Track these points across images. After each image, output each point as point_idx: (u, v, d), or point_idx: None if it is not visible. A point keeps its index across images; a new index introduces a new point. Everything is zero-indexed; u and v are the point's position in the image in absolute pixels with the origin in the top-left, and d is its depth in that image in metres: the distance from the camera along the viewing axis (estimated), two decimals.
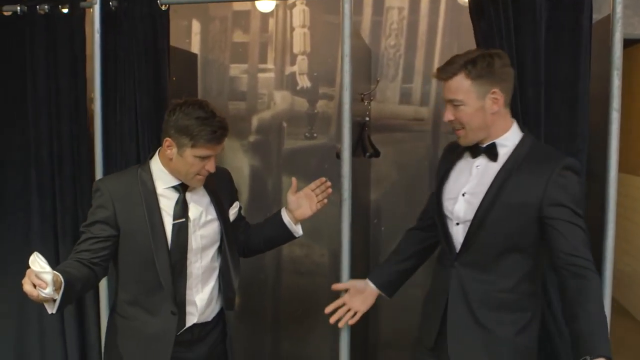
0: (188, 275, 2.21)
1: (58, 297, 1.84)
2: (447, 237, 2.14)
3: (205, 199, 2.27)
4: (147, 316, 2.18)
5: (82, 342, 2.88)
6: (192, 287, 2.22)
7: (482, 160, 2.12)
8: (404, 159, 3.65)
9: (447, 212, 2.14)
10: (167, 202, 2.19)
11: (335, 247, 2.47)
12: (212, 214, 2.27)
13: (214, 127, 2.09)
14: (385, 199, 3.70)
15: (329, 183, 2.44)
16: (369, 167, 3.57)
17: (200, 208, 2.24)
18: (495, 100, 2.03)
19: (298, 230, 2.43)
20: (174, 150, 2.12)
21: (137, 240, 2.13)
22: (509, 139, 2.08)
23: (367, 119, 3.24)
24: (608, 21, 2.38)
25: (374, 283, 2.40)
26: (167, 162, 2.18)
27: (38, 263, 1.79)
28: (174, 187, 2.20)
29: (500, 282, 2.07)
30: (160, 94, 2.68)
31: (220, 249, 2.29)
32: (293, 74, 3.71)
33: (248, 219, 3.88)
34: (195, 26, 3.76)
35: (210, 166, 2.15)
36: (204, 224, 2.23)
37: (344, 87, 2.44)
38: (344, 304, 2.40)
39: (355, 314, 2.39)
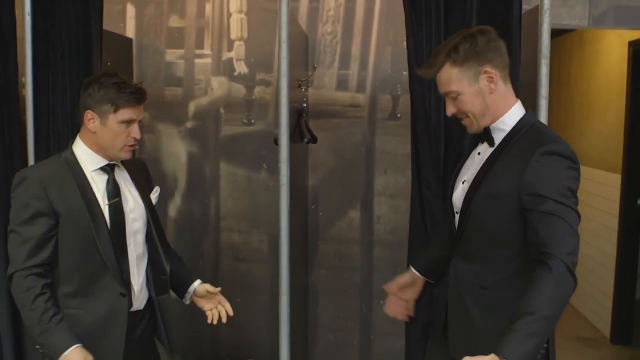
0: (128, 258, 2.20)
1: None
2: (452, 225, 2.11)
3: (130, 183, 2.28)
4: (93, 303, 2.13)
5: None
6: (130, 271, 2.21)
7: (483, 147, 2.04)
8: (340, 144, 3.69)
9: (452, 200, 2.10)
10: (97, 184, 2.16)
11: (273, 233, 2.49)
12: (138, 197, 2.26)
13: (132, 88, 2.12)
14: (322, 185, 3.74)
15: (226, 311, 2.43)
16: (306, 153, 3.60)
17: (127, 190, 2.25)
18: (490, 79, 1.93)
19: (186, 299, 2.45)
20: (97, 122, 2.12)
21: (76, 224, 2.09)
22: (507, 121, 1.97)
23: (305, 105, 3.27)
24: (537, 11, 2.45)
25: (417, 270, 2.34)
26: (91, 140, 2.16)
27: None
28: (102, 169, 2.18)
29: (487, 277, 1.97)
30: None
31: (147, 235, 2.28)
32: (230, 60, 3.69)
33: (185, 206, 3.86)
34: (130, 10, 3.69)
35: (135, 132, 2.15)
36: (133, 206, 2.23)
37: (281, 73, 2.45)
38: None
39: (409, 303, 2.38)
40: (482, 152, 2.03)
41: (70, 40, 2.60)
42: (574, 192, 1.83)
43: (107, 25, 3.04)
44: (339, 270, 3.77)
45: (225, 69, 3.70)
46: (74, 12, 2.59)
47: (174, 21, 3.71)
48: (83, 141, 2.18)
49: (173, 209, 3.79)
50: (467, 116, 1.98)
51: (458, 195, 2.05)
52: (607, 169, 5.07)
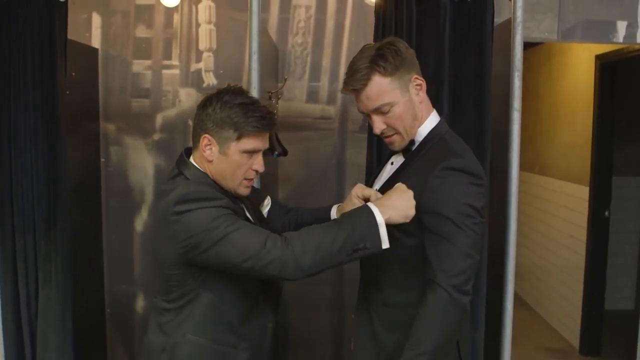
0: None
1: None
2: None
3: (249, 208, 2.00)
4: (245, 341, 1.88)
5: None
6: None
7: (397, 157, 1.95)
8: (311, 157, 3.65)
9: None
10: None
11: None
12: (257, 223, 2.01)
13: (260, 112, 1.79)
14: (292, 198, 3.69)
15: None
16: (276, 166, 3.55)
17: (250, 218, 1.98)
18: (419, 87, 1.84)
19: None
20: (215, 148, 1.81)
21: None
22: (421, 132, 1.88)
23: (276, 117, 3.22)
24: (508, 24, 2.46)
25: None
26: (206, 168, 1.85)
27: None
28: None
29: (395, 296, 1.89)
30: (57, 89, 2.55)
31: None
32: (199, 71, 3.63)
33: (152, 219, 3.76)
34: (96, 20, 3.61)
35: (259, 164, 1.85)
36: None
37: (252, 85, 2.41)
38: None
39: None
40: (395, 162, 1.95)
41: (33, 49, 2.51)
42: (477, 210, 1.75)
43: (72, 35, 2.96)
44: (310, 283, 3.72)
45: (194, 80, 3.64)
46: (37, 20, 2.51)
47: (141, 31, 3.63)
48: (202, 167, 1.85)
49: (140, 222, 3.70)
50: (397, 132, 1.85)
51: None
52: (574, 181, 5.12)
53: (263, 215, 2.08)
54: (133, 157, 3.66)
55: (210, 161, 1.82)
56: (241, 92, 1.84)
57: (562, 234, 5.35)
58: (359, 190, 1.92)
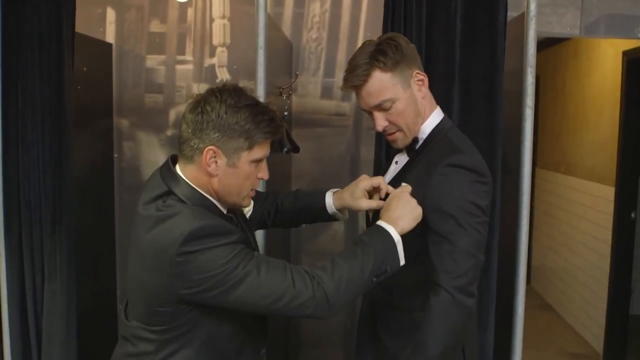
0: None
1: None
2: None
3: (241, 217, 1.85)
4: None
5: None
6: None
7: (401, 156, 1.91)
8: (325, 154, 3.60)
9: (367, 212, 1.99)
10: None
11: None
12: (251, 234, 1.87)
13: (268, 114, 1.58)
14: None
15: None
16: (289, 163, 3.50)
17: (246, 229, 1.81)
18: (420, 82, 1.80)
19: (345, 215, 2.00)
20: (221, 161, 1.56)
21: None
22: (425, 129, 1.84)
23: (286, 113, 3.17)
24: (524, 18, 2.38)
25: None
26: (202, 183, 1.60)
27: None
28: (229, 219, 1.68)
29: (404, 301, 1.84)
30: (63, 84, 2.54)
31: None
32: (212, 66, 3.60)
33: None
34: (110, 14, 3.60)
35: (264, 172, 1.65)
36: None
37: (258, 80, 2.38)
38: None
39: None
40: (400, 161, 1.91)
41: (41, 44, 2.52)
42: (481, 208, 1.71)
43: (86, 30, 2.96)
44: None
45: (207, 75, 3.60)
46: (46, 14, 2.51)
47: (155, 26, 3.61)
48: (193, 183, 1.60)
49: None
50: (400, 129, 1.81)
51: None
52: (600, 181, 4.98)
53: (246, 218, 1.94)
54: (146, 152, 3.65)
55: (215, 176, 1.58)
56: (242, 91, 1.60)
57: (587, 236, 5.22)
58: (367, 183, 1.85)
